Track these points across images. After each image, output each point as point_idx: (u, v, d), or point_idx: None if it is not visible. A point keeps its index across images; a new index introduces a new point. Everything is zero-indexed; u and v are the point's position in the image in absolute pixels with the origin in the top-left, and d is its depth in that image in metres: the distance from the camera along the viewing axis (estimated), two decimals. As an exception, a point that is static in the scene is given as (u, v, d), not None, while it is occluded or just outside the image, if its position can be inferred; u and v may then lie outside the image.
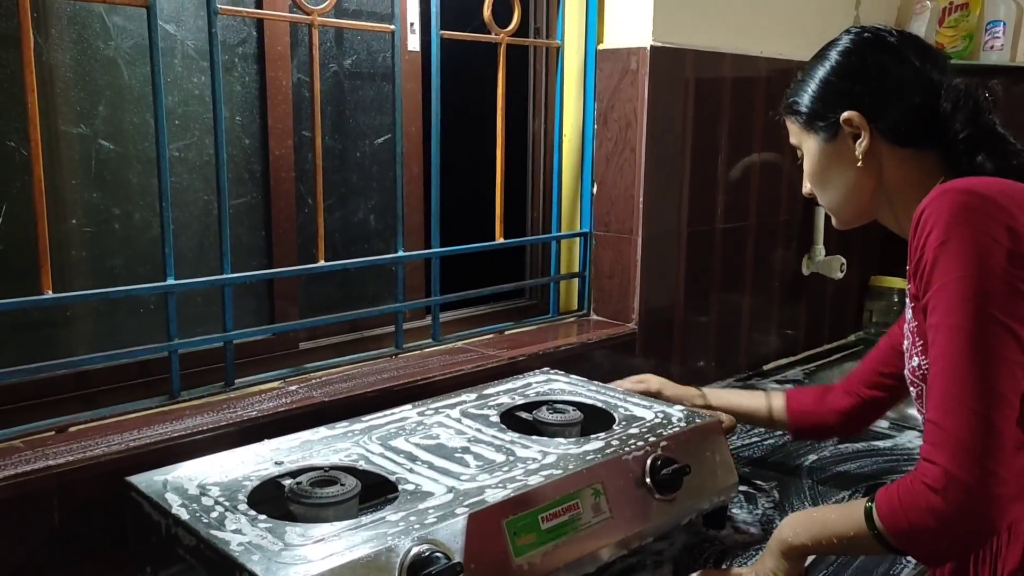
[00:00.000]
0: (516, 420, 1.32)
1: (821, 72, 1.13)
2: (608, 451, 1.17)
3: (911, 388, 1.11)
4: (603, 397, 1.41)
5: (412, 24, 1.67)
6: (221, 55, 1.33)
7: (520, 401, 1.37)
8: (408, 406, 1.32)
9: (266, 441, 1.18)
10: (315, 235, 1.47)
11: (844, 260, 2.25)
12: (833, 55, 1.13)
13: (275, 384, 1.41)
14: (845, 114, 1.10)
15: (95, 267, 1.35)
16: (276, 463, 1.11)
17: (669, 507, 1.18)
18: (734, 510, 1.39)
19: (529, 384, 1.46)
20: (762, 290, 2.16)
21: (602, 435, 1.23)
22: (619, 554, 1.15)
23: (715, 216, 1.99)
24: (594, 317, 1.92)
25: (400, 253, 1.56)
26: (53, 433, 1.19)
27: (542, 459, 1.13)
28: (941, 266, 0.95)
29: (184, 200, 1.41)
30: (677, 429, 1.26)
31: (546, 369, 1.55)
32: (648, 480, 1.16)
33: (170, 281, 1.28)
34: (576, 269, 1.92)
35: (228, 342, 1.36)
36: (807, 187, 1.21)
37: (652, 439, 1.21)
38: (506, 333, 1.77)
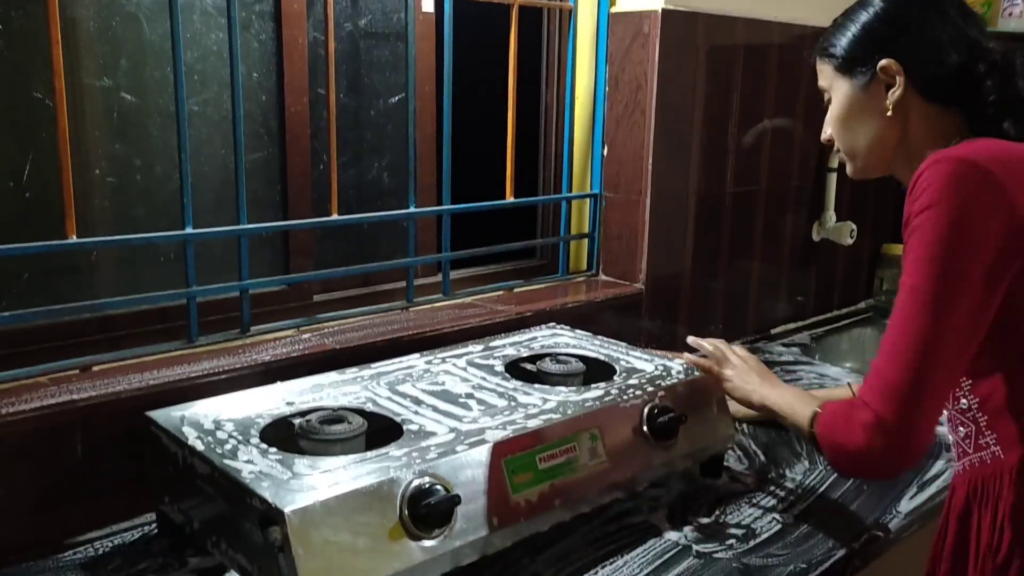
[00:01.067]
0: (520, 371, 1.36)
1: (864, 17, 1.14)
2: (607, 399, 1.21)
3: None
4: (606, 350, 1.45)
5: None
6: (239, 12, 1.37)
7: (525, 353, 1.42)
8: (416, 355, 1.37)
9: (278, 384, 1.23)
10: (329, 190, 1.52)
11: (854, 226, 2.26)
12: (878, 2, 1.13)
13: (289, 332, 1.47)
14: (883, 62, 1.11)
15: (118, 217, 1.40)
16: (288, 403, 1.17)
17: (665, 454, 1.23)
18: (731, 461, 1.43)
19: (535, 337, 1.51)
20: (771, 255, 2.19)
21: (602, 384, 1.27)
22: (614, 496, 1.20)
23: (725, 180, 2.01)
24: (602, 277, 1.95)
25: (412, 209, 1.60)
26: (77, 372, 1.25)
27: (543, 405, 1.18)
28: (919, 230, 1.00)
29: (203, 154, 1.46)
30: (676, 381, 1.30)
31: (552, 324, 1.59)
32: (645, 428, 1.21)
33: (188, 230, 1.33)
34: (586, 230, 1.96)
35: (244, 290, 1.41)
36: (827, 132, 1.22)
37: (651, 389, 1.26)
38: (515, 291, 1.82)
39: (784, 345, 2.15)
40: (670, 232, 1.91)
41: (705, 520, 1.24)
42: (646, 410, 1.23)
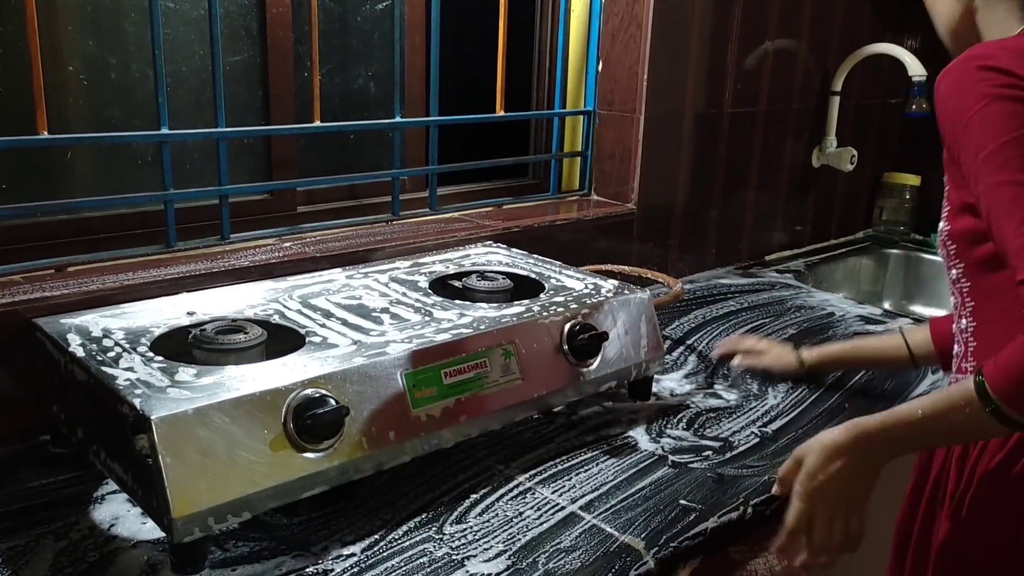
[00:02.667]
0: (448, 288, 1.33)
1: None
2: (526, 315, 1.18)
3: (941, 250, 1.11)
4: (539, 269, 1.42)
5: None
6: (216, -96, 1.32)
7: (453, 270, 1.38)
8: (338, 270, 1.34)
9: (185, 295, 1.21)
10: (308, 98, 1.48)
11: (855, 152, 2.22)
12: None
13: (271, 241, 1.45)
14: None
15: (92, 116, 1.37)
16: (188, 313, 1.14)
17: (585, 374, 1.21)
18: (666, 382, 1.42)
19: (468, 255, 1.47)
20: (769, 180, 2.15)
21: (526, 302, 1.24)
22: (528, 415, 1.17)
23: (723, 100, 1.96)
24: (594, 197, 1.92)
25: (398, 119, 1.57)
26: (52, 272, 1.23)
27: (457, 320, 1.15)
28: (964, 145, 0.96)
29: (179, 54, 1.42)
30: (601, 299, 1.27)
31: (489, 243, 1.55)
32: (564, 346, 1.18)
33: (164, 131, 1.30)
34: (579, 148, 1.92)
35: (223, 196, 1.38)
36: None
37: (574, 307, 1.22)
38: (504, 207, 1.79)
39: (777, 271, 2.12)
40: (664, 152, 1.87)
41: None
42: (567, 327, 1.19)
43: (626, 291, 1.31)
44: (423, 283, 1.32)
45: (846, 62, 2.16)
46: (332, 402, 0.94)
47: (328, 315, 1.16)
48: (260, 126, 1.53)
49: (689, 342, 1.60)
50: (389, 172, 1.59)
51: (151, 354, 1.00)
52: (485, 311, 1.19)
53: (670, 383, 1.42)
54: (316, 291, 1.25)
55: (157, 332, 1.08)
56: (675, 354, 1.54)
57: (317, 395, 0.94)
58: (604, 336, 1.22)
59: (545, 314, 1.19)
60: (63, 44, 1.31)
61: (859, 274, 2.35)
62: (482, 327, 1.13)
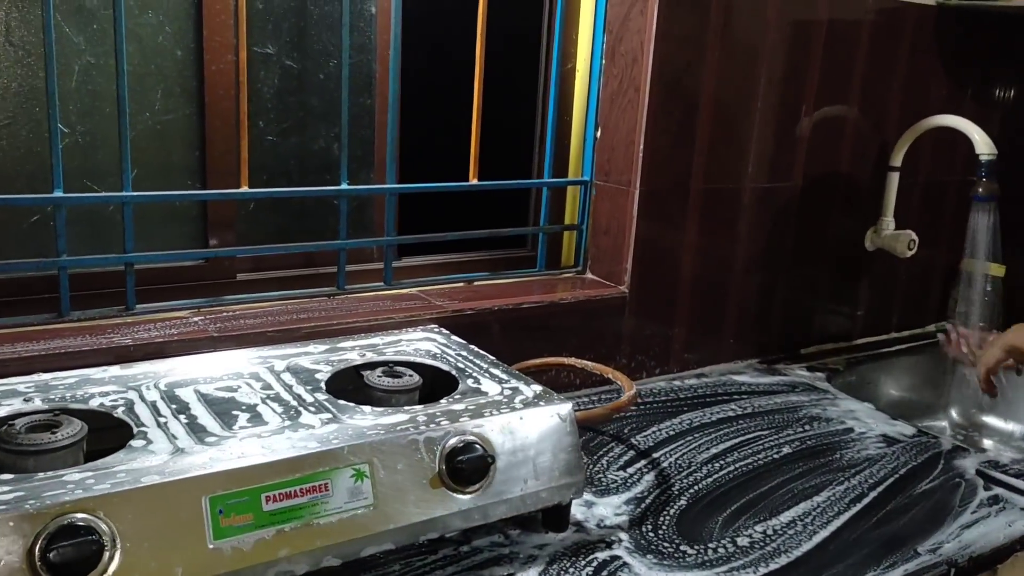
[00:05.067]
0: (354, 382, 1.17)
1: None
2: (400, 427, 1.00)
3: None
4: (464, 364, 1.23)
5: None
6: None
7: (370, 359, 1.22)
8: (240, 351, 1.21)
9: (41, 374, 1.09)
10: (265, 159, 1.38)
11: (915, 237, 1.92)
12: None
13: (182, 313, 1.34)
14: None
15: (5, 177, 1.30)
16: (26, 399, 1.02)
17: (465, 501, 1.01)
18: (601, 506, 1.20)
19: (399, 341, 1.31)
20: (805, 263, 1.89)
21: (417, 407, 1.07)
22: (384, 549, 0.97)
23: (743, 173, 1.73)
24: (589, 276, 1.73)
25: (343, 186, 1.44)
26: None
27: (318, 427, 0.99)
28: None
29: (99, 112, 1.34)
30: (507, 410, 1.07)
31: (433, 327, 1.38)
32: (441, 467, 1.00)
33: (58, 194, 1.22)
34: (576, 221, 1.73)
35: (128, 264, 1.29)
36: None
37: (465, 419, 1.04)
38: (475, 284, 1.62)
39: (809, 368, 1.85)
40: (666, 229, 1.66)
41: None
42: (448, 444, 1.01)
43: (542, 402, 1.12)
44: (323, 374, 1.17)
45: (907, 134, 1.88)
46: (97, 531, 0.81)
47: (183, 410, 1.03)
48: (197, 189, 1.44)
49: (655, 455, 1.38)
50: (333, 243, 1.46)
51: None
52: (359, 418, 1.03)
53: (605, 508, 1.21)
54: (192, 378, 1.12)
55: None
56: (631, 469, 1.33)
57: (78, 523, 0.81)
58: (490, 459, 1.03)
59: (425, 427, 1.01)
60: (-28, 99, 1.26)
61: (917, 376, 2.02)
62: (334, 441, 0.97)
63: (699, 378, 1.74)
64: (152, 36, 1.36)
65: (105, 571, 0.81)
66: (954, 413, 2.02)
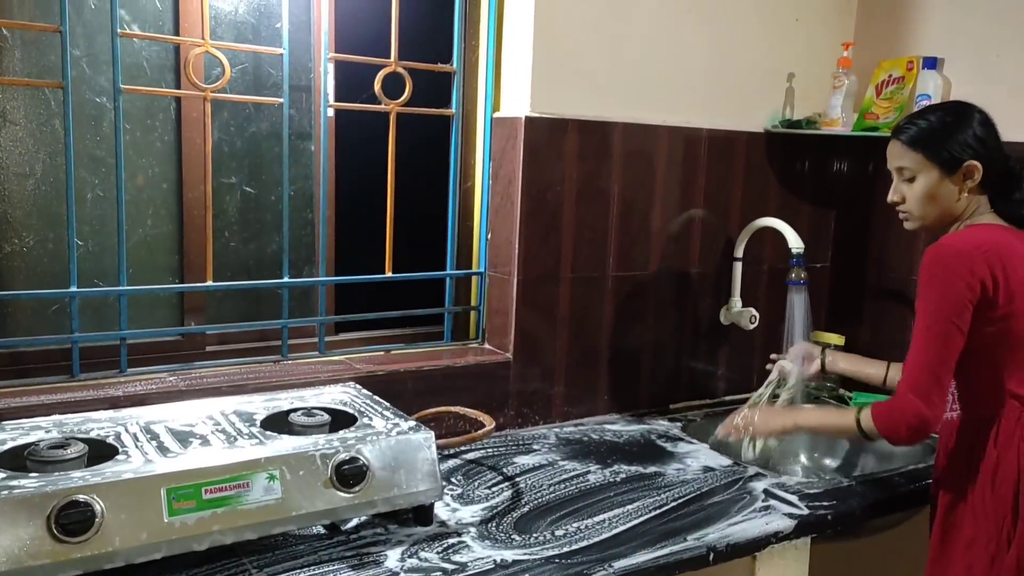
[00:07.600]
0: (282, 421, 1.60)
1: (965, 131, 1.61)
2: (303, 446, 1.46)
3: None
4: (365, 408, 1.68)
5: (328, 94, 2.04)
6: (133, 120, 1.76)
7: (296, 405, 1.67)
8: (204, 400, 1.67)
9: (57, 415, 1.55)
10: (230, 260, 1.87)
11: (755, 312, 2.39)
12: (974, 122, 1.62)
13: (162, 374, 1.81)
14: (970, 163, 1.61)
15: (37, 276, 1.80)
16: (47, 431, 1.48)
17: (349, 499, 1.46)
18: (464, 512, 1.64)
19: (322, 393, 1.77)
20: (666, 337, 2.35)
21: (321, 436, 1.52)
22: (288, 529, 1.43)
23: (606, 264, 2.22)
24: (487, 346, 2.20)
25: (284, 279, 1.93)
26: (-25, 393, 1.64)
27: (247, 447, 1.44)
28: (921, 294, 1.59)
29: (105, 229, 1.84)
30: (382, 436, 1.52)
31: (351, 384, 1.84)
32: (331, 474, 1.45)
33: (72, 289, 1.71)
34: (476, 304, 2.22)
35: (123, 339, 1.77)
36: (898, 197, 1.69)
37: (351, 442, 1.49)
38: (393, 352, 2.10)
39: (671, 420, 2.29)
40: (541, 309, 2.13)
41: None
42: (338, 458, 1.46)
43: (412, 432, 1.58)
44: (259, 416, 1.63)
45: (743, 233, 2.38)
46: (90, 506, 1.27)
47: (154, 438, 1.49)
48: (176, 283, 1.93)
49: (518, 479, 1.82)
50: (276, 322, 1.94)
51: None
52: (279, 443, 1.48)
53: (465, 513, 1.65)
54: (163, 418, 1.58)
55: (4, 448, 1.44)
56: (495, 488, 1.77)
57: (80, 500, 1.27)
58: (366, 468, 1.48)
59: (323, 447, 1.47)
60: (15, 223, 1.76)
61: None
62: (255, 455, 1.43)
63: (576, 426, 2.19)
64: (144, 174, 1.88)
65: (97, 532, 1.27)
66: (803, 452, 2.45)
